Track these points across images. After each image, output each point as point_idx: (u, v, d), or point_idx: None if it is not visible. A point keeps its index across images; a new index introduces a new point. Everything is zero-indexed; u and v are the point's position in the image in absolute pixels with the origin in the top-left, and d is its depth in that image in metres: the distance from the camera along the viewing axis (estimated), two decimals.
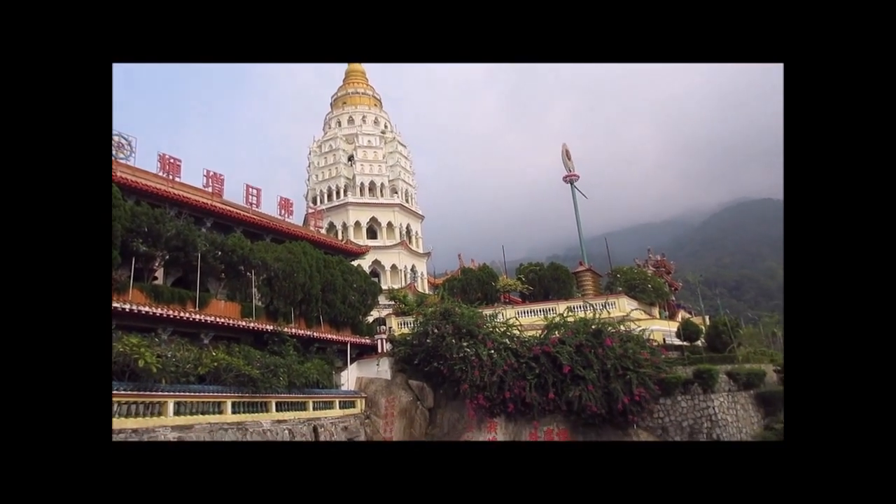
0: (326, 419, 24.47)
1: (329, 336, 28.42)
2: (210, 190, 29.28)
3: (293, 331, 26.06)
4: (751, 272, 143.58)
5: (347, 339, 29.68)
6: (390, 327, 33.13)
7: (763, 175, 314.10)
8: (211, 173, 29.96)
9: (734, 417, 25.22)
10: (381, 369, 30.10)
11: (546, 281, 37.46)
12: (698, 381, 25.40)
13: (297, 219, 38.03)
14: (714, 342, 30.33)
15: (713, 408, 24.83)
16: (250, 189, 31.55)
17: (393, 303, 37.07)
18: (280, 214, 33.75)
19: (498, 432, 27.19)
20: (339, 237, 43.93)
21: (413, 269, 47.49)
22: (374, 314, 34.62)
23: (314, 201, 49.34)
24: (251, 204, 31.24)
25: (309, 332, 27.25)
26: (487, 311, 31.32)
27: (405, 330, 32.25)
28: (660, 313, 36.77)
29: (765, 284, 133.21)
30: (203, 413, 18.16)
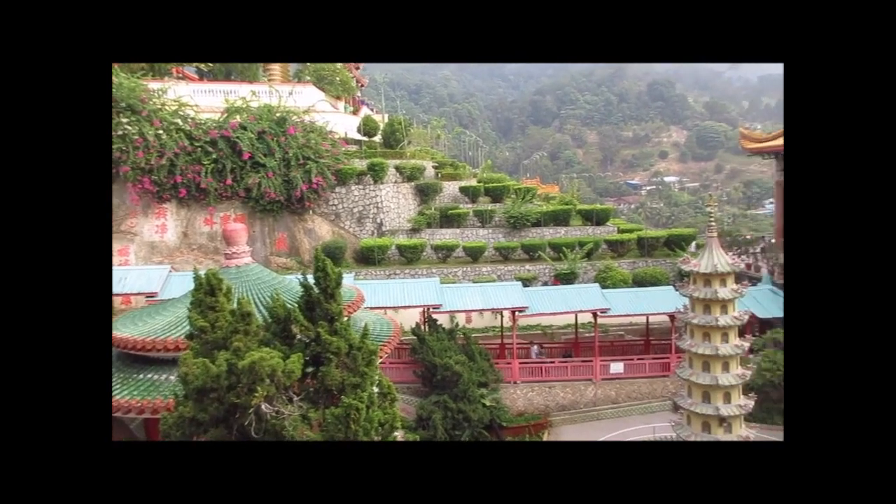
0: None
1: None
2: None
3: None
4: (430, 79, 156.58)
5: None
6: None
7: None
8: None
9: (396, 205, 29.19)
10: None
11: None
12: (371, 173, 28.11)
13: None
14: (389, 139, 33.21)
15: (380, 196, 28.16)
16: None
17: None
18: None
19: (168, 218, 25.79)
20: None
21: None
22: None
23: None
24: None
25: None
26: (155, 85, 27.04)
27: None
28: (345, 108, 37.77)
29: (439, 92, 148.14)
30: None
